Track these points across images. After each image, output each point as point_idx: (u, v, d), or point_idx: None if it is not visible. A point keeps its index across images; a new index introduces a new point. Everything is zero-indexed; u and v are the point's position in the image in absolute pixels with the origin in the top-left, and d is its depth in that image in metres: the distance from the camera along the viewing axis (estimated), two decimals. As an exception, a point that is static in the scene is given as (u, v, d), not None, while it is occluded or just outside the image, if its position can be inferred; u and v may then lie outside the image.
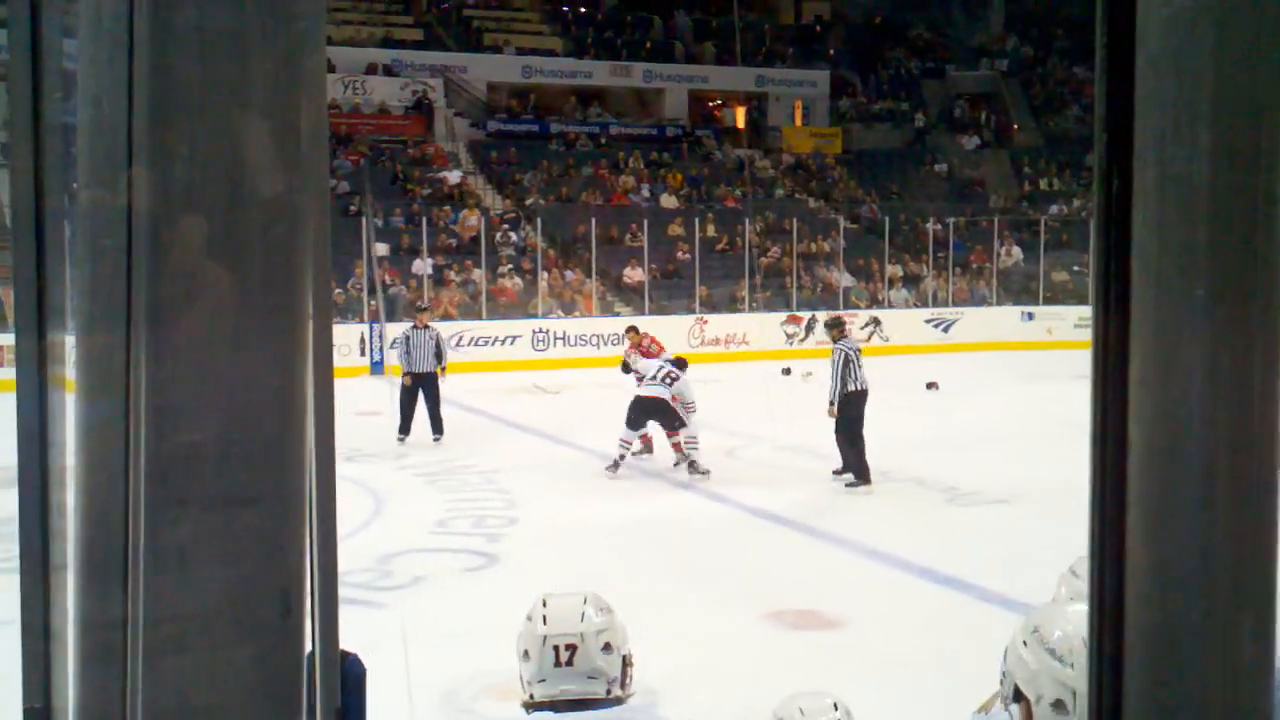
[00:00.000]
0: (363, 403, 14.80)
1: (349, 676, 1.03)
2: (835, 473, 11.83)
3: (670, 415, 12.19)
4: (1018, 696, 2.24)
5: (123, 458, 0.88)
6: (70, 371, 0.96)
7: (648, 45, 35.94)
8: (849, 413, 11.62)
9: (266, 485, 0.90)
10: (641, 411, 12.22)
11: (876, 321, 25.56)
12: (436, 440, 14.23)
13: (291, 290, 0.91)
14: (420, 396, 14.35)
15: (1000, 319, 26.62)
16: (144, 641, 0.87)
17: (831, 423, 11.80)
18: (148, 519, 0.88)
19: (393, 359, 16.70)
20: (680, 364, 12.68)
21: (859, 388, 11.64)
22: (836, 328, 12.31)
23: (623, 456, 12.28)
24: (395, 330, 18.22)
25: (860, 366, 11.72)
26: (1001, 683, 2.32)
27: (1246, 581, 0.95)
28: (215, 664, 0.89)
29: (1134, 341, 0.96)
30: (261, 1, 0.87)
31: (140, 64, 0.86)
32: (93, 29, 0.89)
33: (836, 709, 2.64)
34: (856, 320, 23.55)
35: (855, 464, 11.64)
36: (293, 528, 0.92)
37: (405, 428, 14.27)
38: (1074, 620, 2.19)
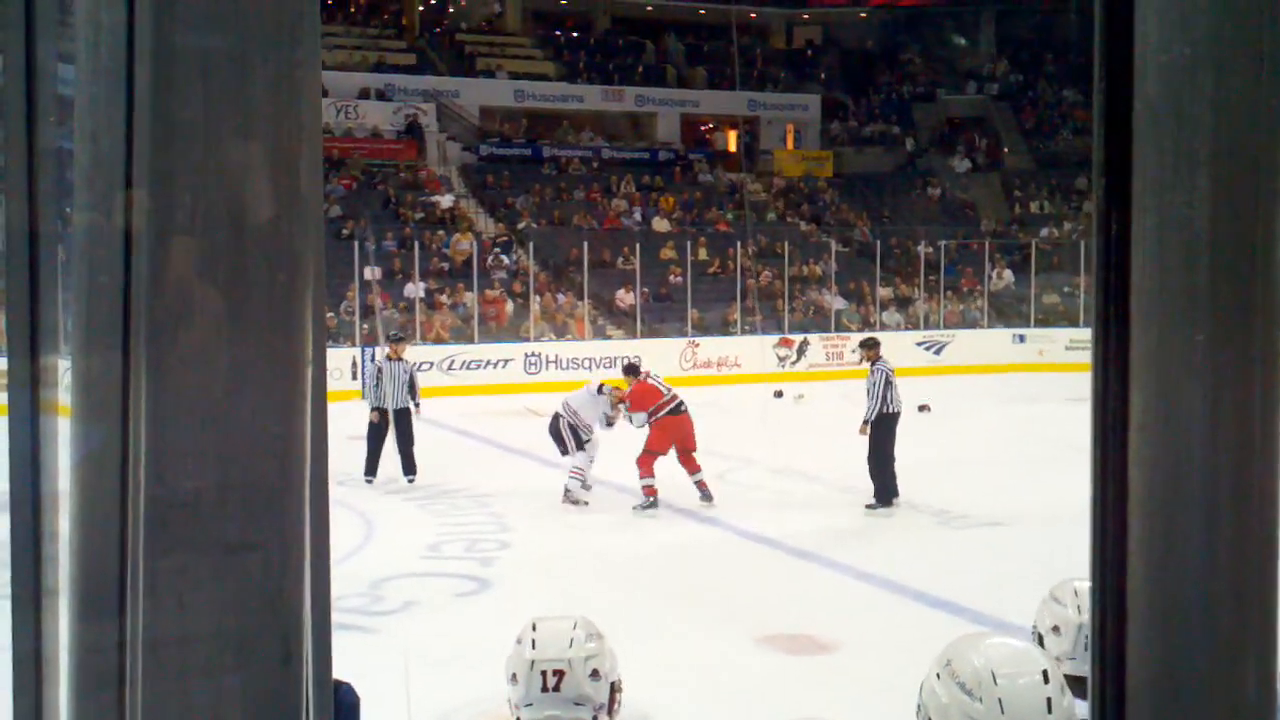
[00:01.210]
0: (353, 427, 14.76)
1: (342, 706, 1.02)
2: (868, 506, 11.71)
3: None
4: None
5: (118, 488, 0.87)
6: (64, 395, 0.96)
7: (640, 69, 36.12)
8: (882, 434, 11.60)
9: (266, 531, 0.89)
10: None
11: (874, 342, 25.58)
12: (410, 481, 13.03)
13: (289, 321, 0.90)
14: (391, 434, 13.04)
15: (992, 341, 26.65)
16: (140, 674, 0.86)
17: (858, 442, 11.74)
18: (146, 562, 0.87)
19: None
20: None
21: (892, 409, 11.62)
22: (871, 348, 12.12)
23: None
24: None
25: (896, 388, 11.70)
26: (917, 716, 2.29)
27: (1249, 626, 0.95)
28: (212, 698, 0.88)
29: (1134, 386, 0.96)
30: (261, 26, 0.87)
31: (139, 88, 0.85)
32: (90, 55, 0.89)
33: None
34: (847, 343, 23.59)
35: (880, 485, 11.61)
36: (292, 573, 0.91)
37: (372, 468, 13.05)
38: (986, 654, 2.16)
